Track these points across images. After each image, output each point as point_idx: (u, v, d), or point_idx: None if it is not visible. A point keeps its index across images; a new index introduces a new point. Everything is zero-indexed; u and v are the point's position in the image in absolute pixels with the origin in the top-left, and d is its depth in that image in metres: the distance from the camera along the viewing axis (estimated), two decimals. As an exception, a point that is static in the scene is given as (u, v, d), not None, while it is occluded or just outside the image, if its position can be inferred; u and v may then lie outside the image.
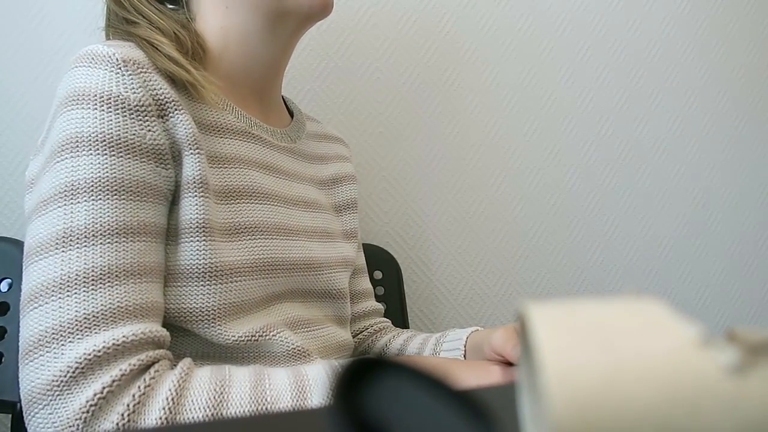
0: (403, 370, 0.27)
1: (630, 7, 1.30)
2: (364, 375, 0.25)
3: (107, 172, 0.55)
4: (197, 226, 0.60)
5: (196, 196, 0.60)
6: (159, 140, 0.59)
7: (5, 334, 0.73)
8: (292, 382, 0.54)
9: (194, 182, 0.60)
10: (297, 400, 0.53)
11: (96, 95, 0.57)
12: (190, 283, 0.60)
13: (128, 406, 0.49)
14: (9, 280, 0.75)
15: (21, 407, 0.71)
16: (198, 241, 0.60)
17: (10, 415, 0.72)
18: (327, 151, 0.89)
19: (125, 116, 0.57)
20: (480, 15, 1.20)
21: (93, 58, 0.59)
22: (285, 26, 0.73)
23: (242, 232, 0.65)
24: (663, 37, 1.32)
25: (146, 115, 0.58)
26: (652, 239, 1.29)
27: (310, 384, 0.54)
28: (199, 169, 0.61)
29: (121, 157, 0.56)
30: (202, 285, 0.60)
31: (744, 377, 0.23)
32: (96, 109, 0.57)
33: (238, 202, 0.66)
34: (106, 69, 0.58)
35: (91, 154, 0.55)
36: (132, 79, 0.58)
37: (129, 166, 0.57)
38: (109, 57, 0.59)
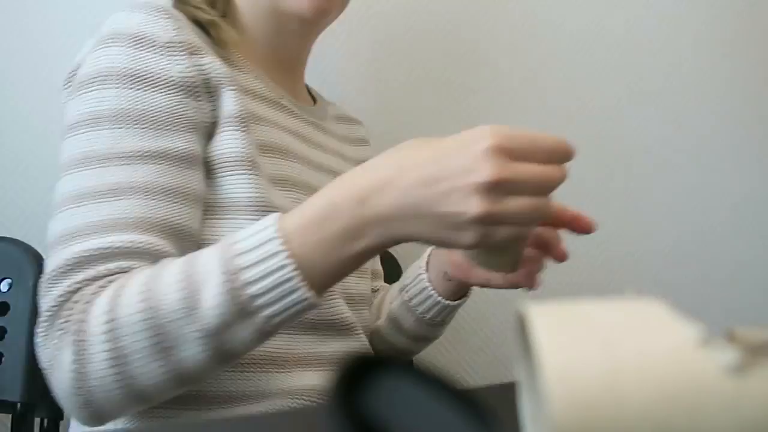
0: (402, 369, 0.27)
1: (630, 6, 1.29)
2: (363, 374, 0.25)
3: (131, 103, 0.59)
4: (240, 159, 0.63)
5: (237, 129, 0.63)
6: (188, 74, 0.62)
7: (5, 334, 0.73)
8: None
9: (234, 117, 0.63)
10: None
11: (129, 35, 0.61)
12: (239, 216, 0.62)
13: (82, 307, 0.52)
14: (9, 280, 0.75)
15: (21, 407, 0.72)
16: (241, 174, 0.62)
17: (10, 415, 0.72)
18: (349, 133, 0.91)
19: (154, 53, 0.61)
20: (480, 15, 1.20)
21: (134, 5, 0.63)
22: (287, 24, 0.74)
23: (278, 182, 0.67)
24: (663, 36, 1.32)
25: (175, 51, 0.61)
26: (652, 239, 1.28)
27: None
28: (239, 105, 0.64)
29: (146, 89, 0.60)
30: (254, 219, 0.61)
31: (744, 377, 0.23)
32: (126, 46, 0.61)
33: (272, 157, 0.68)
34: (143, 12, 0.62)
35: (117, 86, 0.59)
36: (167, 21, 0.62)
37: (153, 98, 0.60)
38: (149, 3, 0.63)
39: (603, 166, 1.26)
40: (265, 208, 0.62)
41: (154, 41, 0.61)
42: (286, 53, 0.78)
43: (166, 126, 0.60)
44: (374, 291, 0.88)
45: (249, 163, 0.63)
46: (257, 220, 0.59)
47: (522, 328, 0.30)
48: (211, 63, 0.64)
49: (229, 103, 0.64)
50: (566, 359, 0.23)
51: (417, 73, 1.16)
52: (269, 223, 0.50)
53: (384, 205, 0.47)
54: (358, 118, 0.96)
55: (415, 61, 1.16)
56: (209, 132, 0.64)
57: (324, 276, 0.50)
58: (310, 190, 0.70)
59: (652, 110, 1.30)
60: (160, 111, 0.60)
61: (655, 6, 1.31)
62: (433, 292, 0.76)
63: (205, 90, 0.63)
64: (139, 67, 0.60)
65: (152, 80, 0.60)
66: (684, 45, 1.33)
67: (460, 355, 1.14)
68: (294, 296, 0.48)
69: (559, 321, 0.25)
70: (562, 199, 1.27)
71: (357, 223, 0.48)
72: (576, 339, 0.24)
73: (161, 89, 0.60)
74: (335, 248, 0.49)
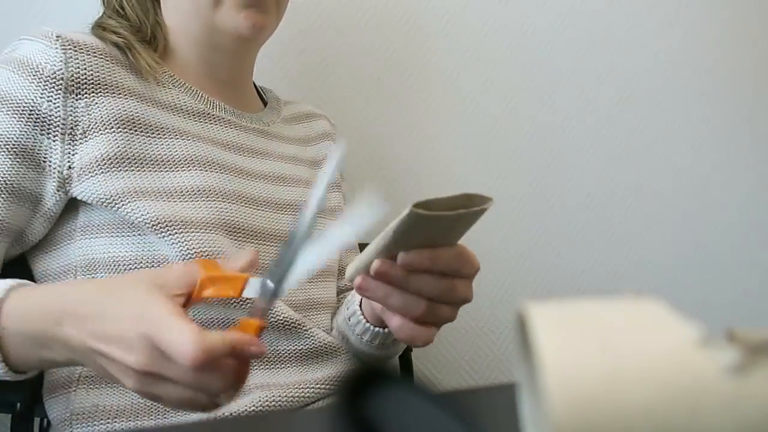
0: (405, 382, 0.27)
1: (629, 7, 1.30)
2: (367, 385, 0.26)
3: None
4: (132, 191, 0.64)
5: (118, 170, 0.64)
6: (56, 112, 0.63)
7: (5, 334, 0.73)
8: None
9: (105, 160, 0.64)
10: None
11: (19, 61, 0.64)
12: (148, 234, 0.63)
13: None
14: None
15: (21, 407, 0.71)
16: (137, 201, 0.63)
17: (10, 415, 0.72)
18: (308, 131, 0.90)
19: (32, 82, 0.63)
20: (479, 15, 1.20)
21: (36, 34, 0.66)
22: (222, 42, 0.75)
23: (195, 193, 0.67)
24: (663, 37, 1.32)
25: (53, 87, 0.63)
26: (652, 239, 1.29)
27: None
28: (112, 148, 0.64)
29: (4, 112, 0.62)
30: (160, 236, 0.63)
31: (744, 377, 0.23)
32: (10, 71, 0.64)
33: (188, 169, 0.68)
34: (40, 42, 0.65)
35: None
36: (56, 52, 0.64)
37: (5, 121, 0.62)
38: (48, 33, 0.65)
39: (602, 167, 1.26)
40: (166, 226, 0.63)
41: (37, 72, 0.63)
42: (223, 69, 0.78)
43: (1, 150, 0.62)
44: (342, 292, 0.86)
45: (139, 194, 0.64)
46: (165, 238, 0.62)
47: (522, 328, 0.30)
48: (98, 104, 0.65)
49: (105, 145, 0.64)
50: (566, 359, 0.23)
51: (417, 73, 1.16)
52: (3, 287, 0.53)
53: (69, 335, 0.50)
54: (320, 112, 0.95)
55: (414, 61, 1.16)
56: (62, 172, 0.64)
57: (18, 356, 0.53)
58: (241, 199, 0.71)
59: (651, 110, 1.30)
60: (3, 135, 0.62)
61: (656, 6, 1.31)
62: (362, 317, 0.71)
63: (66, 132, 0.64)
64: (9, 91, 0.63)
65: (14, 105, 0.63)
66: (684, 43, 1.33)
67: (460, 355, 1.14)
68: None
69: (559, 321, 0.25)
70: (567, 199, 1.27)
71: (47, 336, 0.50)
72: (576, 339, 0.24)
73: (15, 113, 0.63)
74: (29, 345, 0.52)
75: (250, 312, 0.51)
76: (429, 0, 1.17)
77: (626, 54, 1.29)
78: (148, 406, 0.63)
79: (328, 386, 0.70)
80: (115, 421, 0.62)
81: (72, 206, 0.66)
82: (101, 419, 0.63)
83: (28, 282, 0.57)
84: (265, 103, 0.88)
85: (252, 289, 0.52)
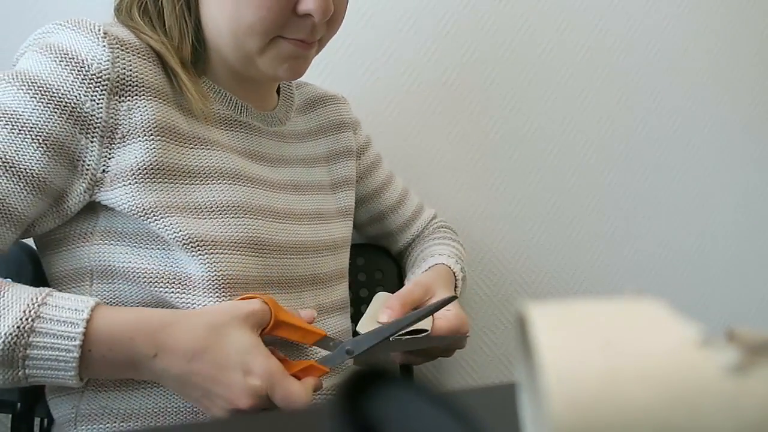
0: (405, 383, 0.27)
1: (630, 7, 1.29)
2: (367, 386, 0.26)
3: (19, 106, 0.60)
4: (166, 206, 0.63)
5: (145, 182, 0.63)
6: (98, 113, 0.61)
7: (5, 334, 0.73)
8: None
9: (141, 169, 0.63)
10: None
11: (62, 51, 0.62)
12: (174, 250, 0.64)
13: None
14: (8, 280, 0.75)
15: (21, 407, 0.72)
16: (168, 217, 0.63)
17: (10, 415, 0.72)
18: (321, 121, 0.88)
19: (77, 78, 0.61)
20: (480, 15, 1.20)
21: (78, 25, 0.64)
22: (261, 76, 0.72)
23: (225, 210, 0.66)
24: (663, 36, 1.32)
25: (98, 86, 0.61)
26: (652, 239, 1.28)
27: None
28: (150, 157, 0.63)
29: (45, 104, 0.60)
30: (190, 255, 0.63)
31: (744, 377, 0.23)
32: (54, 61, 0.61)
33: (218, 183, 0.68)
34: (84, 36, 0.62)
35: (22, 89, 0.60)
36: (104, 50, 0.62)
37: (45, 114, 0.60)
38: (94, 28, 0.63)
39: (602, 167, 1.26)
40: (197, 245, 0.63)
41: (83, 68, 0.61)
42: (252, 84, 0.76)
43: (37, 142, 0.60)
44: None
45: (172, 209, 0.63)
46: (195, 257, 0.63)
47: (522, 328, 0.30)
48: (139, 108, 0.63)
49: (139, 154, 0.62)
50: (566, 359, 0.23)
51: (417, 73, 1.16)
52: (86, 306, 0.56)
53: (166, 368, 0.57)
54: (332, 93, 0.92)
55: (415, 61, 1.16)
56: (95, 175, 0.62)
57: (94, 373, 0.58)
58: (265, 213, 0.70)
59: (652, 110, 1.30)
60: (41, 127, 0.60)
61: (656, 6, 1.31)
62: None
63: (106, 134, 0.62)
64: (52, 82, 0.61)
65: (57, 98, 0.60)
66: (684, 44, 1.33)
67: (460, 355, 1.14)
68: (60, 374, 0.56)
69: (559, 321, 0.25)
70: (567, 199, 1.26)
71: (138, 365, 0.57)
72: (576, 339, 0.24)
73: (59, 110, 0.60)
74: (114, 368, 0.58)
75: (320, 359, 0.64)
76: (429, 0, 1.17)
77: (627, 54, 1.29)
78: (154, 410, 0.63)
79: (334, 395, 0.70)
80: (122, 423, 0.63)
81: (90, 208, 0.65)
82: (107, 420, 0.63)
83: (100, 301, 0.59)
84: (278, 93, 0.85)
85: (324, 344, 0.66)
